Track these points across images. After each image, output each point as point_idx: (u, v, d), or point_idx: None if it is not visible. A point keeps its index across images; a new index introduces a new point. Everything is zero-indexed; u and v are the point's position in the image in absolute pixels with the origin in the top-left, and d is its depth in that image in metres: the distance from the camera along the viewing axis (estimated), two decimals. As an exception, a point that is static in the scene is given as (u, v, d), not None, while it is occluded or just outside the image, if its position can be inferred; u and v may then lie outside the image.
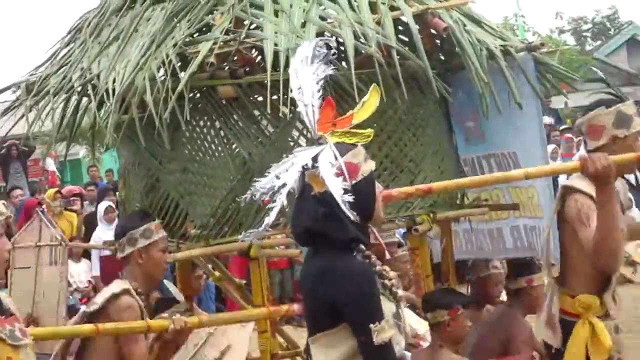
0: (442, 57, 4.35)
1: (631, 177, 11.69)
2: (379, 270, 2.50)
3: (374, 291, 2.43)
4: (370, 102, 2.56)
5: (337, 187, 2.29)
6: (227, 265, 6.41)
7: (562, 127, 14.08)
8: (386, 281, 2.51)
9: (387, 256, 5.02)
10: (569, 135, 12.81)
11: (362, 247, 2.42)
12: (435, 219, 4.10)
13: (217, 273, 5.17)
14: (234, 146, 3.92)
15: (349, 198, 2.25)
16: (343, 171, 2.35)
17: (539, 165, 4.11)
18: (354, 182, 2.38)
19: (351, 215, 2.30)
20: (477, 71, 3.79)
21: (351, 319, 2.40)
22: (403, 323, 2.54)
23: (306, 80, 2.52)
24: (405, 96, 3.74)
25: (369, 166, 2.47)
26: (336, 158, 2.36)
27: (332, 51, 2.52)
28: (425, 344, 3.93)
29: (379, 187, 2.52)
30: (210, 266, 5.09)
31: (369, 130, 2.50)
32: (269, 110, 3.74)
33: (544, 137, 4.61)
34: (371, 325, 2.36)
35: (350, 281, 2.41)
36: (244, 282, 5.16)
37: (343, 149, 2.38)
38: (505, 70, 3.87)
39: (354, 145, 2.42)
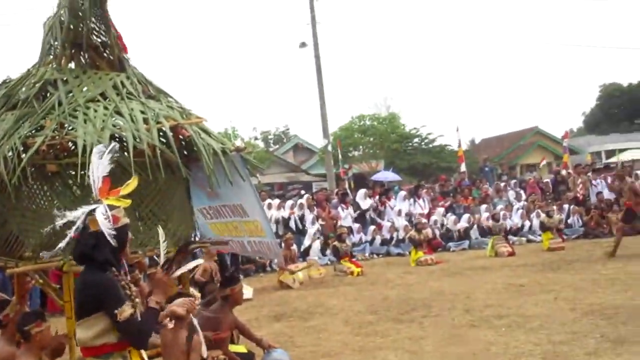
0: (186, 152, 6.48)
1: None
2: (123, 284, 3.82)
3: (116, 290, 3.71)
4: (131, 184, 3.99)
5: (106, 228, 3.66)
6: (47, 275, 7.58)
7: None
8: (127, 291, 3.83)
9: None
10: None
11: (113, 269, 3.78)
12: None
13: (41, 280, 6.74)
14: (55, 202, 5.73)
15: (113, 233, 3.68)
16: (110, 219, 3.70)
17: (257, 208, 6.69)
18: (115, 226, 3.73)
19: (112, 242, 3.64)
20: (207, 162, 5.96)
21: (104, 308, 3.67)
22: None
23: (96, 167, 3.86)
24: (163, 175, 5.73)
25: (125, 220, 3.88)
26: (106, 211, 3.73)
27: (116, 151, 3.97)
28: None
29: (130, 235, 3.98)
30: (37, 276, 6.64)
31: (127, 200, 3.91)
32: (78, 180, 5.60)
33: (257, 195, 7.07)
34: (115, 311, 3.68)
35: (102, 285, 3.70)
36: (59, 286, 6.61)
37: (111, 207, 3.78)
38: (223, 163, 6.11)
39: (118, 207, 3.84)
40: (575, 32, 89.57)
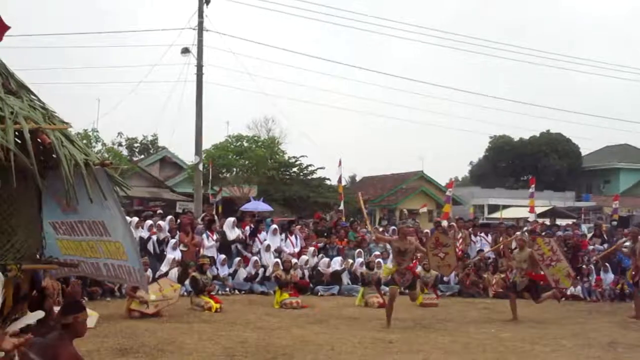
0: (42, 158, 6.15)
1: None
2: None
3: None
4: None
5: None
6: None
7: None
8: None
9: None
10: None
11: None
12: (21, 268, 6.09)
13: None
14: None
15: None
16: None
17: (121, 228, 6.50)
18: None
19: None
20: (67, 174, 5.78)
21: None
22: None
23: None
24: (14, 183, 5.48)
25: None
26: None
27: None
28: None
29: None
30: None
31: None
32: None
33: (124, 215, 6.90)
34: None
35: None
36: None
37: None
38: (84, 176, 5.94)
39: None
40: (470, 81, 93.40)
